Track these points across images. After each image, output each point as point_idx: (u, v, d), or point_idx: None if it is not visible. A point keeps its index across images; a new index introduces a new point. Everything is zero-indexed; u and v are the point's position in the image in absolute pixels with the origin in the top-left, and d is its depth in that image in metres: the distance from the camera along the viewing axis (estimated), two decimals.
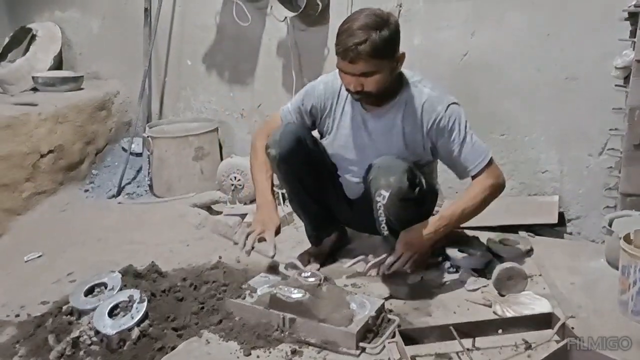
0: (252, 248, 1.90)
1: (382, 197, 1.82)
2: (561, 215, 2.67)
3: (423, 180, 1.94)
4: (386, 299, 1.87)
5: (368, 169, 1.91)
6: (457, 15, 2.82)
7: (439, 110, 1.86)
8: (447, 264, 2.11)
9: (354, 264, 2.01)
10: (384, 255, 1.91)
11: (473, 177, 1.91)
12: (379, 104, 1.93)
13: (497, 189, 1.92)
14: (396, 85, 1.91)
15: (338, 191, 2.15)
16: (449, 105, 1.87)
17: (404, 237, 1.88)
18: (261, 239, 1.92)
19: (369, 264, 1.95)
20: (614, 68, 2.33)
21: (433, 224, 1.88)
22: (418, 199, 1.88)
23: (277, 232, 1.96)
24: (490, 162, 1.91)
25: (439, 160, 2.05)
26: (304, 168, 2.05)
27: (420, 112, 1.88)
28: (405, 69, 1.94)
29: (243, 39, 3.37)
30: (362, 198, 2.08)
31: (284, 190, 2.43)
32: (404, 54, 1.83)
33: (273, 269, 2.01)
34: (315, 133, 2.14)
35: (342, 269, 2.10)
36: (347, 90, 1.87)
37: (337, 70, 1.90)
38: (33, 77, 3.66)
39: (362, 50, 1.70)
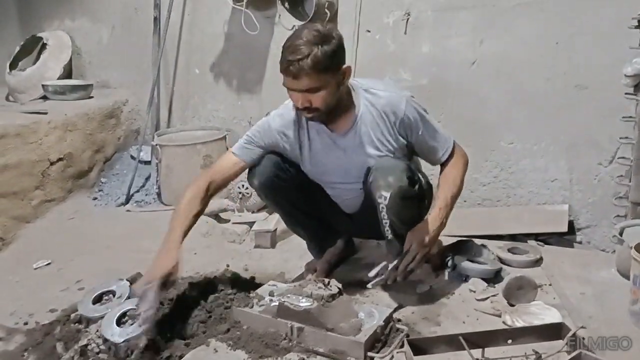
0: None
1: (384, 198, 1.82)
2: (571, 224, 2.66)
3: (421, 177, 1.95)
4: (395, 308, 1.86)
5: (367, 173, 1.91)
6: (465, 23, 2.82)
7: (401, 108, 1.88)
8: (456, 273, 2.10)
9: (378, 272, 1.98)
10: (398, 259, 1.89)
11: (444, 162, 1.98)
12: (334, 120, 1.91)
13: (467, 165, 2.03)
14: (348, 98, 1.90)
15: (334, 206, 2.15)
16: (408, 101, 1.89)
17: (414, 237, 1.87)
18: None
19: (388, 270, 1.91)
20: (624, 76, 2.31)
21: (436, 217, 1.89)
22: (419, 196, 1.89)
23: (166, 281, 1.79)
24: (454, 143, 2.00)
25: None
26: (291, 190, 2.05)
27: (384, 116, 1.90)
28: (352, 79, 1.92)
29: (251, 48, 3.39)
30: (360, 210, 2.09)
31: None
32: (349, 68, 1.82)
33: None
34: None
35: (365, 279, 2.04)
36: (296, 108, 1.86)
37: (287, 101, 1.92)
38: (43, 86, 3.70)
39: (304, 65, 1.70)
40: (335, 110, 1.87)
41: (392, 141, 1.92)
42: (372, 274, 1.93)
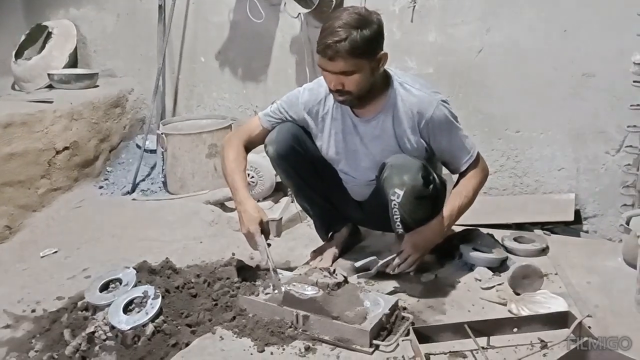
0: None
1: (397, 195, 1.82)
2: (577, 213, 2.65)
3: (436, 177, 1.94)
4: (400, 296, 1.86)
5: (381, 168, 1.90)
6: (472, 11, 2.79)
7: (430, 110, 1.85)
8: (462, 262, 2.09)
9: (364, 264, 2.00)
10: (391, 257, 1.91)
11: (463, 171, 1.95)
12: (363, 106, 1.91)
13: (484, 180, 2.00)
14: (381, 86, 1.88)
15: (345, 192, 2.15)
16: (438, 105, 1.86)
17: (410, 240, 1.89)
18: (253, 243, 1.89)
19: (377, 265, 1.94)
20: (632, 64, 2.30)
21: (437, 225, 1.90)
22: (432, 196, 1.88)
23: (264, 228, 1.89)
24: (478, 155, 1.96)
25: None
26: (304, 165, 2.05)
27: (411, 114, 1.87)
28: (390, 68, 1.91)
29: (256, 36, 3.37)
30: (370, 199, 2.08)
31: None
32: (386, 55, 1.80)
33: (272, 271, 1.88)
34: None
35: (353, 267, 2.08)
36: (329, 89, 1.85)
37: (320, 77, 1.90)
38: (49, 75, 3.70)
39: (341, 48, 1.69)
40: (367, 95, 1.85)
41: (413, 141, 1.90)
42: (358, 264, 1.94)
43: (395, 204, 1.84)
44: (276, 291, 1.79)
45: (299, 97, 2.01)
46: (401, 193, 1.80)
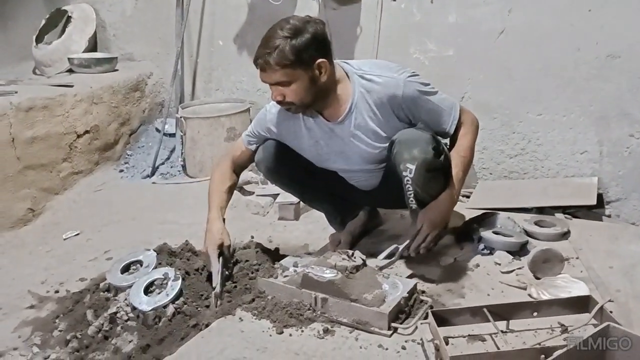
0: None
1: (409, 170, 1.79)
2: (600, 197, 2.60)
3: (445, 146, 1.92)
4: (418, 280, 1.85)
5: (390, 145, 1.88)
6: None
7: (400, 92, 1.82)
8: (481, 246, 2.08)
9: (387, 255, 1.98)
10: (410, 240, 1.89)
11: (453, 133, 1.93)
12: (322, 110, 1.89)
13: (477, 131, 1.97)
14: (335, 88, 1.85)
15: (349, 185, 2.13)
16: (405, 83, 1.83)
17: (425, 217, 1.86)
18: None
19: (399, 251, 1.92)
20: None
21: (447, 196, 1.86)
22: (444, 166, 1.85)
23: (222, 252, 1.90)
24: (461, 111, 1.92)
25: None
26: (298, 172, 2.05)
27: (381, 103, 1.85)
28: (345, 61, 1.89)
29: (274, 19, 3.28)
30: (378, 188, 2.07)
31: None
32: (325, 62, 1.77)
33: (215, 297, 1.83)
34: None
35: (376, 260, 2.05)
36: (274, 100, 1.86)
37: None
38: (69, 59, 3.73)
39: (269, 59, 1.70)
40: (318, 102, 1.84)
41: (392, 128, 1.88)
42: (381, 256, 1.92)
43: (408, 180, 1.82)
44: (216, 309, 1.76)
45: (266, 116, 2.01)
46: (413, 167, 1.78)
